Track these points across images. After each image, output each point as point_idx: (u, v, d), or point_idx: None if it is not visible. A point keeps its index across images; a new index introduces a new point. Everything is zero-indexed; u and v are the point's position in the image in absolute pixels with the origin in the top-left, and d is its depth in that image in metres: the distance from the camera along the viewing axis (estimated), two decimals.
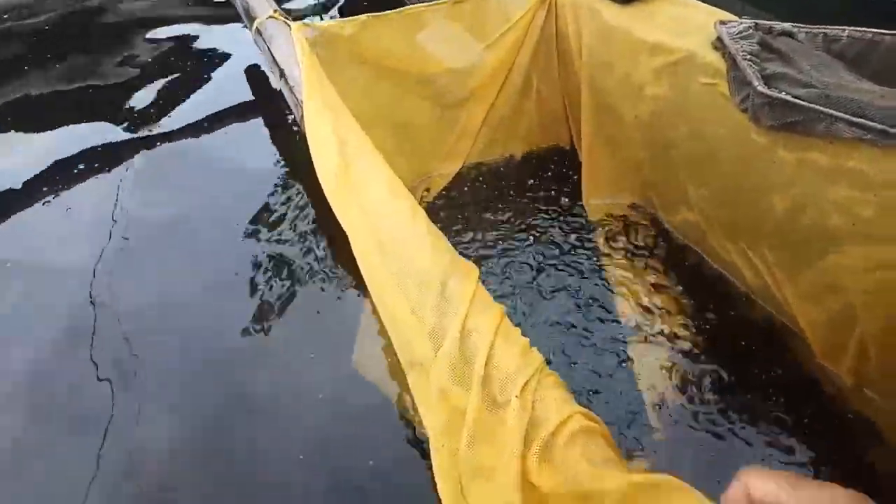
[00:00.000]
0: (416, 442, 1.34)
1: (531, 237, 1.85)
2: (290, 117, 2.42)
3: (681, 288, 1.66)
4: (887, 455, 1.28)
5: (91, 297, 1.74)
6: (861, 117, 1.12)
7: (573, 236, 1.84)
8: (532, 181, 2.07)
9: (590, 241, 1.82)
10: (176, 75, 2.78)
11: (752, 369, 1.45)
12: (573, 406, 0.77)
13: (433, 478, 1.24)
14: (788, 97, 1.21)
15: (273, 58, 1.75)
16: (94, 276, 1.81)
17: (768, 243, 1.47)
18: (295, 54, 1.67)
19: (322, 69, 1.62)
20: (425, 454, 1.28)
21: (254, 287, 1.74)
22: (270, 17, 1.83)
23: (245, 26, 2.22)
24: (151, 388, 1.50)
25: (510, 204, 1.98)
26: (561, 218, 1.91)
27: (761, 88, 1.24)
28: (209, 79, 2.77)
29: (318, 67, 1.61)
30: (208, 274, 1.81)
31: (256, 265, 1.81)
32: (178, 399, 1.48)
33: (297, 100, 1.63)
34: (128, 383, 1.51)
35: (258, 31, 1.82)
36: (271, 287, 1.73)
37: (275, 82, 2.19)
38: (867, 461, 1.27)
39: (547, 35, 1.97)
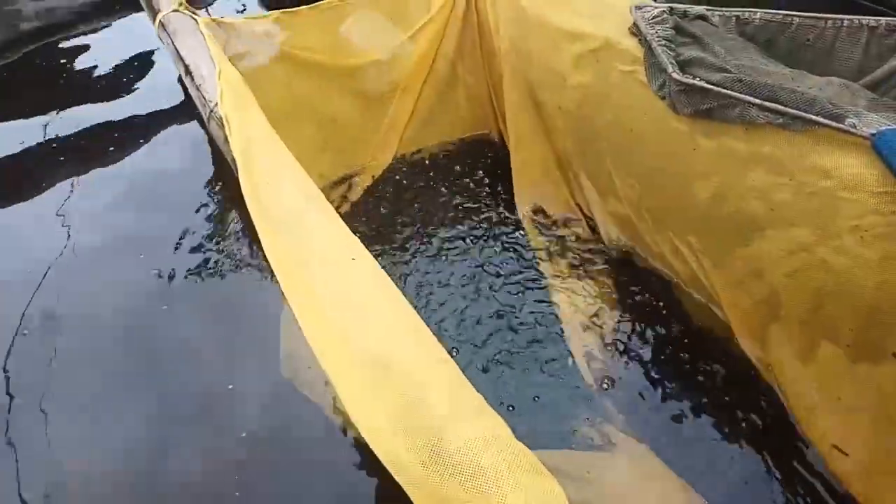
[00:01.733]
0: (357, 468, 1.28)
1: (461, 231, 1.80)
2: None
3: (615, 280, 1.64)
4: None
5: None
6: (773, 101, 1.11)
7: (505, 231, 1.80)
8: (463, 173, 2.01)
9: (523, 236, 1.78)
10: (90, 74, 2.61)
11: (684, 358, 1.46)
12: None
13: None
14: (703, 83, 1.19)
15: (178, 53, 1.64)
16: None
17: (694, 231, 1.46)
18: (200, 50, 1.57)
19: (235, 67, 1.52)
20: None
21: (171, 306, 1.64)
22: (175, 10, 1.71)
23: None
24: (64, 420, 1.40)
25: (441, 197, 1.92)
26: (492, 212, 1.87)
27: (676, 75, 1.22)
28: (122, 75, 2.61)
29: (230, 65, 1.51)
30: (125, 287, 1.69)
31: (175, 276, 1.71)
32: (94, 433, 1.37)
33: (205, 98, 1.53)
34: (37, 406, 1.41)
35: (161, 25, 1.70)
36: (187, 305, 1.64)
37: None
38: (783, 444, 1.31)
39: (469, 24, 1.91)
